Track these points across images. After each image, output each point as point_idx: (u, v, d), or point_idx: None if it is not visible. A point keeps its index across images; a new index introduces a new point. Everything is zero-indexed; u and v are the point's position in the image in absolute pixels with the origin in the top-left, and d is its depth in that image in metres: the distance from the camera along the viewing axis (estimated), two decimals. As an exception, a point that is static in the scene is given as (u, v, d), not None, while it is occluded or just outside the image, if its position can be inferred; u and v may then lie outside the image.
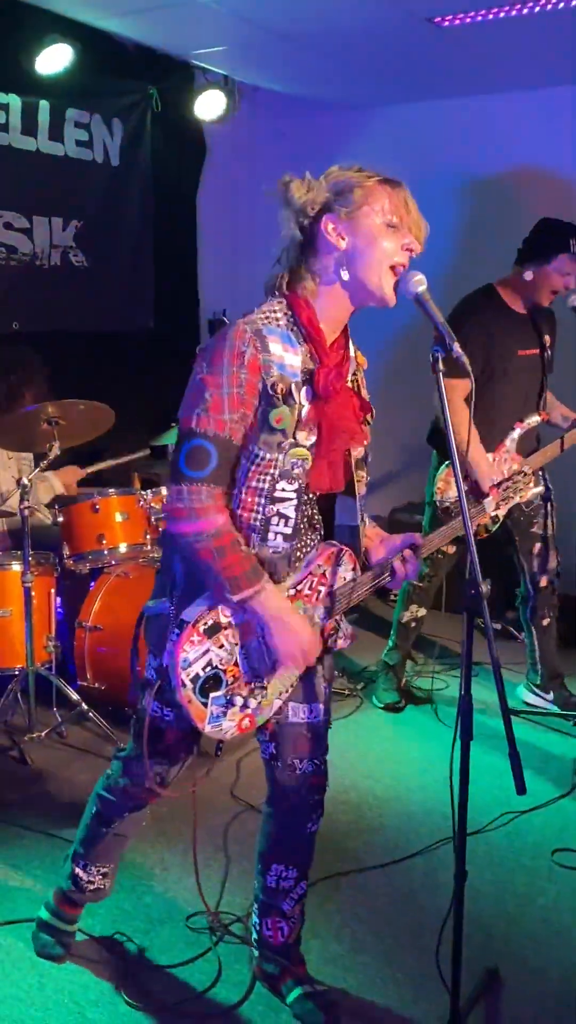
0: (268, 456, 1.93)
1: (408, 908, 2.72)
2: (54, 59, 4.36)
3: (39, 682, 3.66)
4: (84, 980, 2.40)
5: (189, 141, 5.60)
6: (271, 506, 1.97)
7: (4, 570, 3.68)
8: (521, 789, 1.85)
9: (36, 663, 3.64)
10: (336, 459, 2.05)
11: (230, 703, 2.01)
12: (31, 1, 4.10)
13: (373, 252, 1.93)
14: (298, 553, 2.07)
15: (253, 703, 2.04)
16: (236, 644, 2.00)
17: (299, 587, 2.07)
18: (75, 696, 3.69)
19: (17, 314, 4.76)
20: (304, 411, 1.95)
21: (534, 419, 3.65)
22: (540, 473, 3.80)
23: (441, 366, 1.92)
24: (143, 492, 4.00)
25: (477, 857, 2.91)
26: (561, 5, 3.78)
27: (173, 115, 5.33)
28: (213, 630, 1.97)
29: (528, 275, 3.56)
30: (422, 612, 4.00)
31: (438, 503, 3.76)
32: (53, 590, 3.81)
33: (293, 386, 1.92)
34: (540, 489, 3.77)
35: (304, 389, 1.95)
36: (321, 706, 2.21)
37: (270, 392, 1.89)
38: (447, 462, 3.70)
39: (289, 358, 1.93)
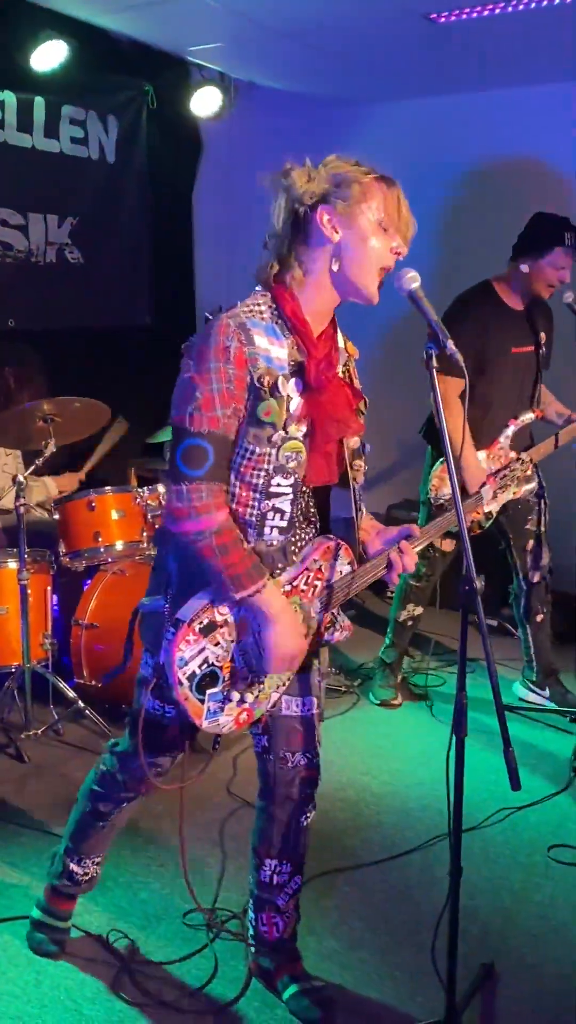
0: (259, 450, 1.93)
1: (404, 904, 2.72)
2: (49, 56, 4.35)
3: (35, 680, 3.66)
4: (81, 977, 2.40)
5: (185, 138, 5.60)
6: (266, 501, 1.97)
7: (0, 568, 3.67)
8: (516, 786, 1.85)
9: (32, 660, 3.64)
10: (330, 451, 2.05)
11: (227, 698, 2.01)
12: (26, -3, 4.10)
13: (364, 250, 1.94)
14: (293, 547, 2.07)
15: (250, 697, 2.05)
16: (232, 641, 2.01)
17: (295, 582, 2.07)
18: (71, 693, 3.69)
19: (12, 311, 4.75)
20: (294, 403, 1.95)
21: (528, 416, 3.66)
22: (533, 470, 3.80)
23: (435, 363, 1.92)
24: (139, 489, 4.00)
25: (473, 853, 2.92)
26: (557, 0, 3.78)
27: (169, 112, 5.32)
28: (209, 628, 1.97)
29: (524, 268, 3.57)
30: (419, 611, 4.00)
31: (433, 501, 3.77)
32: (49, 587, 3.81)
33: (280, 379, 1.92)
34: (533, 485, 3.77)
35: (292, 381, 1.95)
36: (314, 699, 2.22)
37: (257, 385, 1.89)
38: (441, 459, 3.71)
39: (275, 351, 1.93)
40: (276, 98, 5.41)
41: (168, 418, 1.98)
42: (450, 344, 1.92)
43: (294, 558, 2.07)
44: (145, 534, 3.96)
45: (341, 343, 2.10)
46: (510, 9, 3.87)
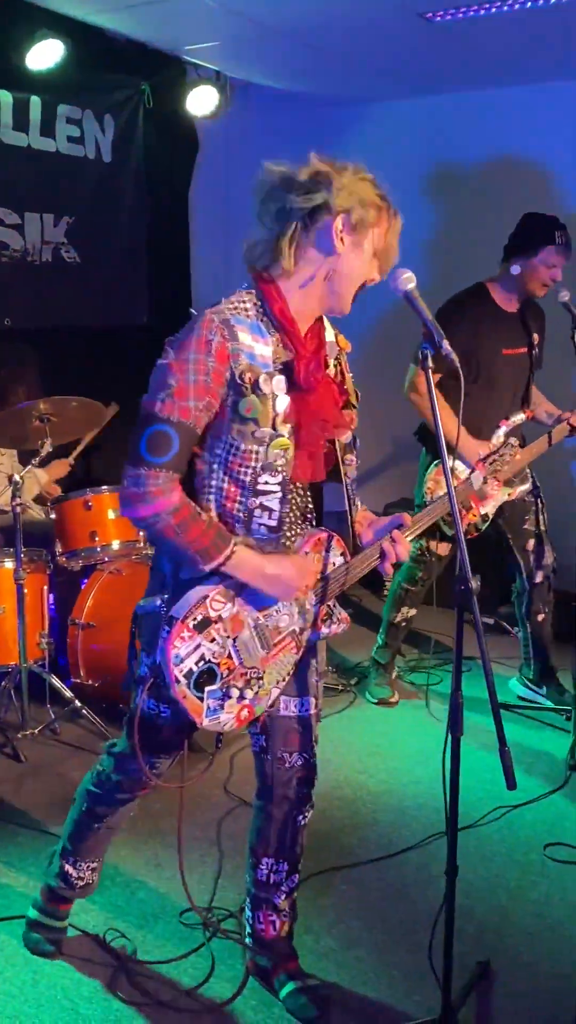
0: (245, 446, 1.93)
1: (401, 903, 2.73)
2: (45, 55, 4.34)
3: (32, 679, 3.67)
4: (77, 976, 2.40)
5: (181, 137, 5.59)
6: (254, 498, 1.97)
7: (-3, 567, 3.68)
8: (511, 785, 1.86)
9: (29, 660, 3.64)
10: (317, 450, 2.05)
11: (226, 695, 2.01)
12: (22, -4, 4.09)
13: (357, 270, 1.96)
14: (287, 543, 2.07)
15: (250, 693, 2.05)
16: (228, 637, 2.00)
17: None
18: (68, 693, 3.69)
19: (8, 311, 4.74)
20: (280, 402, 1.95)
21: (519, 417, 3.67)
22: (527, 470, 3.81)
23: (430, 363, 1.93)
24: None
25: (470, 852, 2.92)
26: (552, 1, 3.78)
27: (165, 111, 5.31)
28: (203, 625, 1.97)
29: (515, 269, 3.59)
30: (412, 612, 4.02)
31: (428, 504, 3.77)
32: (46, 587, 3.81)
33: (263, 376, 1.92)
34: (527, 486, 3.78)
35: (276, 379, 1.95)
36: (312, 699, 2.22)
37: (238, 381, 1.89)
38: (436, 461, 3.71)
39: (259, 348, 1.93)
40: (272, 97, 5.41)
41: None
42: (445, 344, 1.93)
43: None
44: (142, 534, 3.96)
45: (331, 337, 2.11)
46: (505, 8, 3.87)
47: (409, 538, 2.18)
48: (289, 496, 2.04)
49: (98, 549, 3.89)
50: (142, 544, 3.95)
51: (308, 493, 2.14)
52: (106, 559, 3.93)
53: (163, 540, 1.94)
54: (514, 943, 2.56)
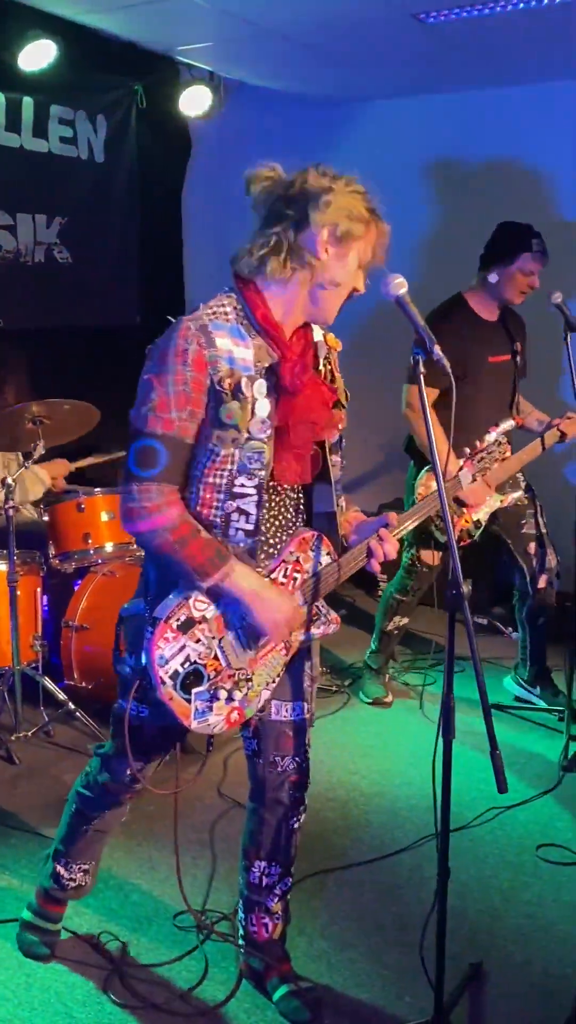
0: (223, 452, 1.93)
1: (394, 904, 2.73)
2: (38, 55, 4.33)
3: (26, 681, 3.66)
4: (71, 979, 2.41)
5: (174, 137, 5.59)
6: (230, 502, 1.97)
7: (-10, 569, 3.67)
8: (502, 788, 1.86)
9: (22, 662, 3.64)
10: (305, 452, 2.05)
11: (214, 697, 2.01)
12: (14, -3, 4.08)
13: (341, 282, 1.96)
14: (269, 548, 2.07)
15: (239, 695, 2.04)
16: (214, 638, 2.00)
17: (273, 575, 2.07)
18: (62, 695, 3.69)
19: (1, 311, 4.74)
20: (260, 405, 1.94)
21: (509, 424, 3.66)
22: (520, 476, 3.82)
23: (421, 368, 1.93)
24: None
25: (462, 852, 2.93)
26: (545, 2, 3.79)
27: (158, 111, 5.31)
28: (187, 625, 1.97)
29: (493, 277, 3.65)
30: (405, 621, 4.03)
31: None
32: (39, 589, 3.81)
33: (244, 380, 1.92)
34: (519, 494, 3.79)
35: (258, 383, 1.94)
36: (304, 704, 2.22)
37: (217, 388, 1.90)
38: (426, 467, 3.71)
39: (239, 352, 1.92)
40: (265, 97, 5.41)
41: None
42: (436, 349, 1.93)
43: (267, 561, 2.06)
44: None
45: (320, 336, 2.10)
46: (498, 9, 3.88)
47: (397, 536, 2.17)
48: (269, 499, 2.04)
49: (91, 551, 3.89)
50: (135, 546, 3.95)
51: (300, 494, 2.14)
52: (99, 561, 3.93)
53: (161, 555, 1.95)
54: (506, 944, 2.57)
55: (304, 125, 5.41)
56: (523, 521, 3.82)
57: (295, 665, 2.18)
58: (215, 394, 1.90)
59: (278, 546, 2.09)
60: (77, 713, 3.67)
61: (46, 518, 3.90)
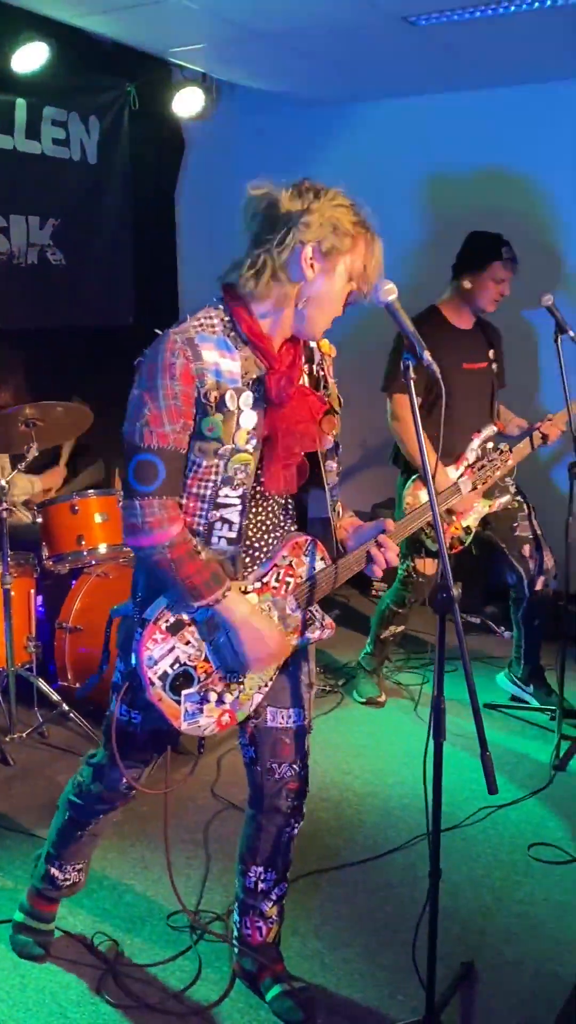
0: (206, 463, 1.95)
1: (387, 904, 2.75)
2: (30, 57, 4.34)
3: (20, 683, 3.67)
4: (65, 980, 2.42)
5: (167, 138, 5.60)
6: (214, 511, 1.98)
7: (-16, 571, 3.68)
8: (493, 789, 1.88)
9: (16, 664, 3.65)
10: (291, 462, 2.06)
11: (204, 699, 2.02)
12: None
13: (328, 296, 1.96)
14: (255, 553, 2.07)
15: (230, 698, 2.05)
16: (204, 640, 2.01)
17: (265, 579, 2.08)
18: (56, 696, 3.70)
19: (-5, 313, 4.75)
20: (245, 416, 1.95)
21: (491, 429, 3.70)
22: (508, 480, 3.83)
23: (411, 374, 1.95)
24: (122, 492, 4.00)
25: (454, 852, 2.95)
26: (536, 5, 3.81)
27: (151, 112, 5.32)
28: (176, 627, 1.98)
29: (467, 284, 3.71)
30: (400, 629, 4.05)
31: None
32: (33, 591, 3.81)
33: (229, 393, 1.93)
34: (507, 498, 3.80)
35: (245, 395, 1.95)
36: (302, 711, 2.23)
37: (203, 400, 1.91)
38: (414, 476, 3.73)
39: (226, 364, 1.93)
40: (258, 98, 5.41)
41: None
42: (427, 355, 1.95)
43: (252, 565, 2.07)
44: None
45: (313, 343, 2.11)
46: (489, 12, 3.90)
47: (396, 542, 2.19)
48: (256, 506, 2.05)
49: (85, 553, 3.90)
50: (128, 548, 3.96)
51: (288, 502, 2.14)
52: (93, 562, 3.93)
53: (159, 571, 1.96)
54: (498, 943, 2.59)
55: (296, 126, 5.41)
56: (515, 524, 3.84)
57: (291, 670, 2.19)
58: (201, 406, 1.92)
59: (264, 549, 2.09)
60: (71, 714, 3.68)
61: (39, 520, 3.91)
